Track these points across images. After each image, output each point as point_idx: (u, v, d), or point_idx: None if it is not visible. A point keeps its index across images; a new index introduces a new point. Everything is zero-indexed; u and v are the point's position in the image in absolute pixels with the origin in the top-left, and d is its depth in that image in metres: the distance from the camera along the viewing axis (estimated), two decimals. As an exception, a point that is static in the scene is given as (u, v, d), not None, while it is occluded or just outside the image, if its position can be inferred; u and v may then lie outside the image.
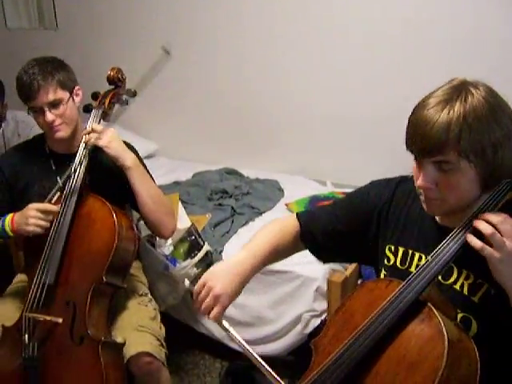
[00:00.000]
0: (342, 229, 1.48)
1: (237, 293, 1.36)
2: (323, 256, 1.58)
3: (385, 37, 2.90)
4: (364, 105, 3.04)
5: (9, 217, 1.90)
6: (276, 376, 1.26)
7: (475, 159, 1.15)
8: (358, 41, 2.98)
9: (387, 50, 2.91)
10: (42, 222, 1.85)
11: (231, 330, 1.33)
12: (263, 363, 1.28)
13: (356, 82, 3.05)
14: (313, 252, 1.56)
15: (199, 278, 1.38)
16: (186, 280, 1.44)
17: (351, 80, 3.06)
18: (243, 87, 3.43)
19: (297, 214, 1.57)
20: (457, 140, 1.13)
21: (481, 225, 1.13)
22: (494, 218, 1.13)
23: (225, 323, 1.34)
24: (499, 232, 1.11)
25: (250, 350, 1.30)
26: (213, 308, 1.33)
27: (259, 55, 3.32)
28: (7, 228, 1.89)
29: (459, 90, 1.17)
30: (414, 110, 1.22)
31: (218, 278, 1.35)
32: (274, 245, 1.46)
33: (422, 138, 1.16)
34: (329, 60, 3.10)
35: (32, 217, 1.84)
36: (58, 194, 1.94)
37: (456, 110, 1.14)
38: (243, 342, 1.31)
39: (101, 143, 1.96)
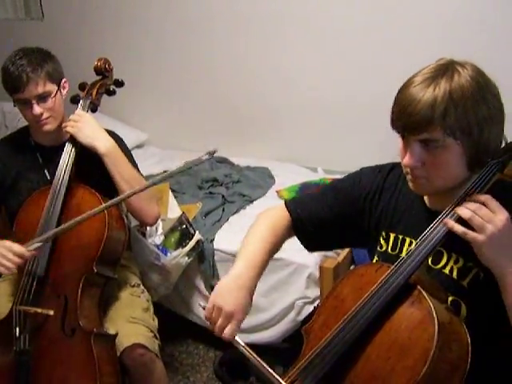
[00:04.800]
0: (332, 215, 1.46)
1: (247, 305, 1.33)
2: (312, 244, 1.55)
3: (375, 24, 2.88)
4: (354, 91, 3.02)
5: None
6: None
7: (461, 137, 1.14)
8: (347, 27, 2.96)
9: (377, 37, 2.90)
10: (9, 264, 1.74)
11: (244, 345, 1.29)
12: (277, 377, 1.24)
13: (346, 69, 3.03)
14: (302, 241, 1.54)
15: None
16: (201, 303, 1.41)
17: (342, 67, 3.05)
18: (233, 77, 3.41)
19: (285, 203, 1.54)
20: (442, 117, 1.12)
21: (460, 210, 1.14)
22: (471, 205, 1.14)
23: (238, 339, 1.30)
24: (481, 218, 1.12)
25: (265, 365, 1.26)
26: (226, 327, 1.30)
27: (250, 44, 3.29)
28: None
29: (446, 68, 1.17)
30: (400, 88, 1.21)
31: (224, 296, 1.31)
32: (270, 247, 1.44)
33: (407, 116, 1.16)
34: (320, 48, 3.08)
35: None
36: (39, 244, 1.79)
37: (442, 87, 1.13)
38: (257, 358, 1.27)
39: (71, 131, 1.95)
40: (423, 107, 1.13)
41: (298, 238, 1.54)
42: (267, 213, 1.54)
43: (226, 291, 1.32)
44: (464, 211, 1.13)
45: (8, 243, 1.77)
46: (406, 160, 1.20)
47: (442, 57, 1.22)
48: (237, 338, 1.30)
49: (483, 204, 1.13)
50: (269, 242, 1.44)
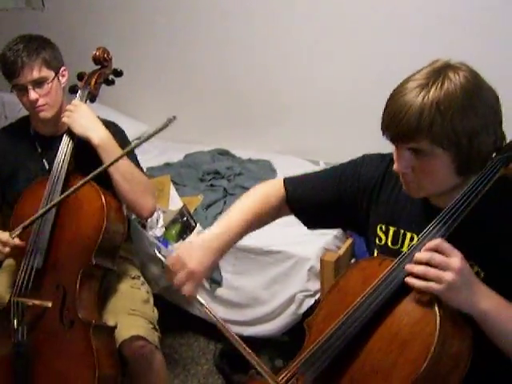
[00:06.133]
0: (330, 198, 1.46)
1: (210, 269, 1.35)
2: (311, 223, 1.55)
3: (380, 21, 2.87)
4: (357, 85, 3.00)
5: None
6: (254, 356, 1.23)
7: (449, 147, 1.13)
8: (352, 24, 2.95)
9: (380, 33, 2.89)
10: None
11: (206, 305, 1.30)
12: (240, 341, 1.25)
13: (349, 63, 3.02)
14: (299, 218, 1.54)
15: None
16: (157, 251, 1.41)
17: (344, 61, 3.03)
18: (236, 69, 3.39)
19: (284, 180, 1.53)
20: (428, 128, 1.11)
21: (413, 269, 1.11)
22: (423, 256, 1.11)
23: (200, 298, 1.31)
24: (436, 266, 1.09)
25: (226, 327, 1.27)
26: (185, 283, 1.30)
27: (252, 37, 3.28)
28: None
29: (438, 74, 1.14)
30: (392, 93, 1.19)
31: (192, 253, 1.32)
32: (252, 218, 1.43)
33: (395, 126, 1.15)
34: (323, 42, 3.06)
35: None
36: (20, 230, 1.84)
37: (430, 96, 1.11)
38: (219, 319, 1.28)
39: (66, 121, 1.93)
40: (410, 118, 1.12)
41: (295, 215, 1.53)
42: (264, 184, 1.55)
43: (195, 249, 1.34)
44: (416, 268, 1.11)
45: None
46: (396, 166, 1.21)
47: (437, 58, 1.20)
48: (198, 297, 1.31)
49: (435, 250, 1.10)
50: (252, 213, 1.44)
